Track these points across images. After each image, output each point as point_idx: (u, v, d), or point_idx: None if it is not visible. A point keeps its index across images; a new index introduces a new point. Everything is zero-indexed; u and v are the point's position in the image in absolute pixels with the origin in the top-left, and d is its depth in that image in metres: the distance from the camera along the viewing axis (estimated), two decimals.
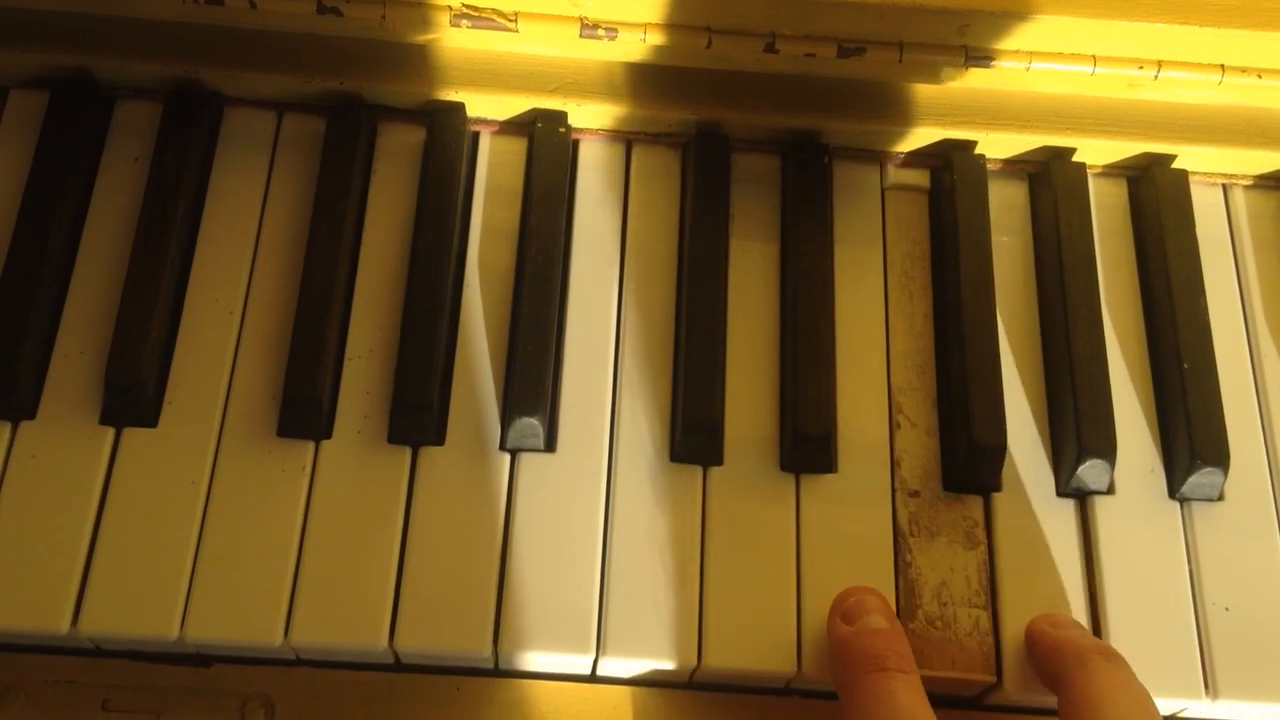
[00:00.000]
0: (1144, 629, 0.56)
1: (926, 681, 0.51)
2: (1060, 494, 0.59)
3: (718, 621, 0.55)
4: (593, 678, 0.57)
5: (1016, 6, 0.57)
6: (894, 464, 0.59)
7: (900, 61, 0.60)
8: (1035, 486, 0.59)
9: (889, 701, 0.49)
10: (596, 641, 0.54)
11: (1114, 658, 0.51)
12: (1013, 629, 0.55)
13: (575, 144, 0.64)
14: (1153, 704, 0.50)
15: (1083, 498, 0.58)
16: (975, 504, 0.58)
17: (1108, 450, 0.58)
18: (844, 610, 0.53)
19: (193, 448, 0.56)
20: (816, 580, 0.56)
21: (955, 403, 0.59)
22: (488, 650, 0.54)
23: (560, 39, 0.59)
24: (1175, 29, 0.58)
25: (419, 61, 0.62)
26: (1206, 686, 0.55)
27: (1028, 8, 0.57)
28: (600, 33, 0.59)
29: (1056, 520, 0.58)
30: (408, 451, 0.57)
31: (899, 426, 0.60)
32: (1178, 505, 0.59)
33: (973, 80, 0.61)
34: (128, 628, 0.53)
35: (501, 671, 0.56)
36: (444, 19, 0.59)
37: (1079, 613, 0.56)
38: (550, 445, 0.58)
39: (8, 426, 0.56)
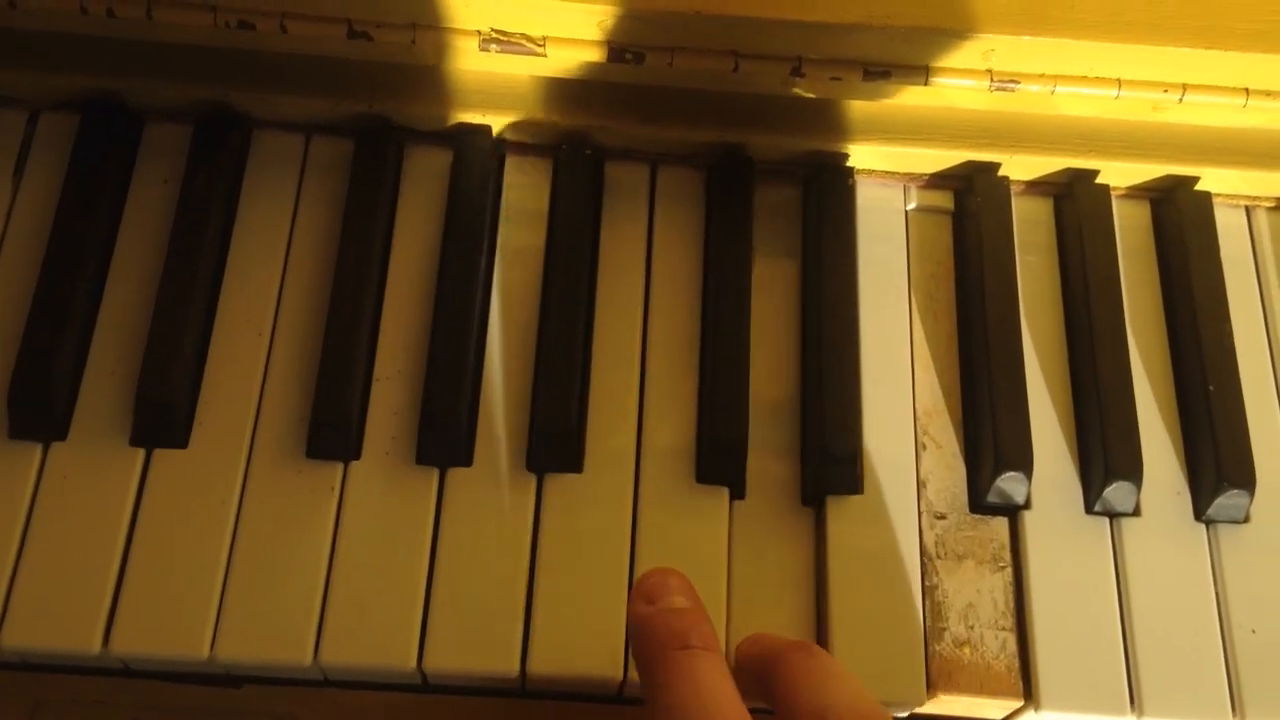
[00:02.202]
0: (1171, 651, 0.56)
1: (954, 705, 0.51)
2: (1088, 514, 0.59)
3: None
4: (619, 698, 0.57)
5: (1042, 31, 0.58)
6: (920, 486, 0.59)
7: (925, 85, 0.60)
8: (1063, 507, 0.59)
9: (693, 680, 0.47)
10: (625, 661, 0.55)
11: (809, 648, 0.49)
12: (1043, 650, 0.55)
13: (600, 166, 0.64)
14: (852, 678, 0.48)
15: (1110, 519, 0.58)
16: (1001, 526, 0.58)
17: (1134, 472, 0.58)
18: (645, 591, 0.51)
19: (222, 469, 0.57)
20: (843, 604, 0.56)
21: (981, 424, 0.60)
22: (515, 670, 0.54)
23: (587, 63, 0.60)
24: (1200, 53, 0.58)
25: (447, 85, 0.62)
26: (1234, 708, 0.55)
27: (1053, 32, 0.58)
28: (627, 57, 0.59)
29: (1085, 541, 0.58)
30: (435, 472, 0.57)
31: (924, 448, 0.60)
32: (1203, 527, 0.59)
33: (997, 103, 0.62)
34: (158, 648, 0.54)
35: (529, 692, 0.57)
36: (473, 44, 0.59)
37: (1111, 632, 0.56)
38: (577, 466, 0.58)
39: (39, 448, 0.57)
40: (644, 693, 0.48)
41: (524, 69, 0.61)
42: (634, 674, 0.54)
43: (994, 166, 0.64)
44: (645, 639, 0.49)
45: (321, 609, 0.54)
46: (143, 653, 0.54)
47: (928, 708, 0.56)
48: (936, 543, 0.58)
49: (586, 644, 0.55)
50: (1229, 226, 0.65)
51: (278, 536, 0.56)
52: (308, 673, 0.54)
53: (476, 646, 0.54)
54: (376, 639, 0.54)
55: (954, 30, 0.58)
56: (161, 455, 0.57)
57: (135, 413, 0.57)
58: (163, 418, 0.57)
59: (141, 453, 0.57)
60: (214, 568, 0.55)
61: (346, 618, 0.54)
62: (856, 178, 0.65)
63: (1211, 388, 0.59)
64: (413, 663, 0.54)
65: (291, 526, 0.56)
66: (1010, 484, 0.58)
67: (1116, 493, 0.58)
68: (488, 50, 0.59)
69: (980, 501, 0.59)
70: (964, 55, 0.59)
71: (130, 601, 0.54)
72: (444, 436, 0.57)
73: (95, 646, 0.53)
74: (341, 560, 0.55)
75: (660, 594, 0.51)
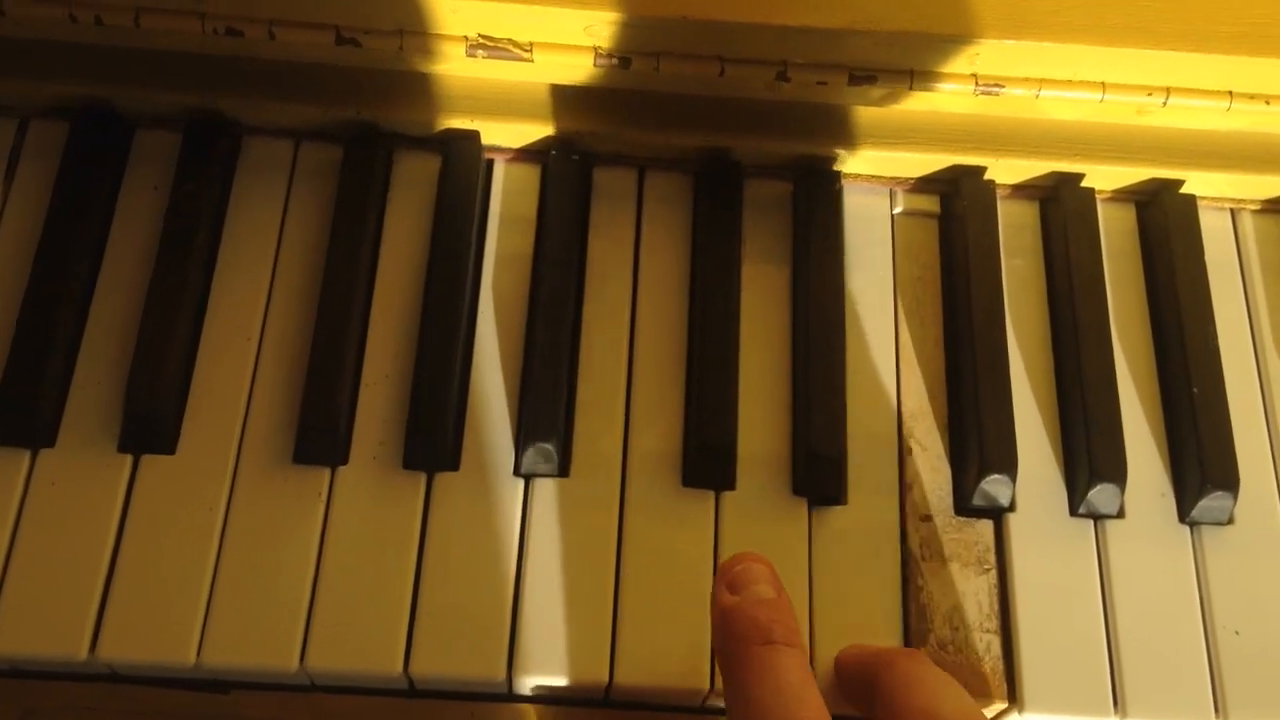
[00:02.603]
0: (1154, 653, 0.56)
1: None
2: (1073, 516, 0.59)
3: None
4: (606, 702, 0.57)
5: (1026, 35, 0.58)
6: (905, 488, 0.59)
7: (910, 89, 0.60)
8: (1048, 510, 0.59)
9: (776, 676, 0.46)
10: (610, 665, 0.55)
11: (917, 656, 0.50)
12: (1027, 653, 0.56)
13: (589, 171, 0.65)
14: (959, 687, 0.49)
15: (1094, 521, 0.59)
16: (986, 528, 0.59)
17: (1118, 475, 0.58)
18: (729, 579, 0.51)
19: (210, 475, 0.57)
20: (828, 604, 0.56)
21: (966, 427, 0.60)
22: (501, 675, 0.54)
23: (574, 68, 0.60)
24: (1184, 56, 0.59)
25: (434, 91, 0.62)
26: (1217, 710, 0.56)
27: (1037, 36, 0.58)
28: (614, 62, 0.59)
29: (1070, 543, 0.58)
30: (423, 477, 0.58)
31: (910, 451, 0.60)
32: (1188, 529, 0.59)
33: (982, 107, 0.62)
34: (145, 654, 0.54)
35: (515, 696, 0.57)
36: (460, 49, 0.59)
37: (1095, 634, 0.56)
38: (564, 470, 0.58)
39: (27, 454, 0.57)
40: (724, 686, 0.48)
41: (511, 74, 0.61)
42: (620, 677, 0.54)
43: (980, 170, 0.64)
44: (729, 632, 0.49)
45: (308, 614, 0.55)
46: (130, 659, 0.54)
47: None
48: (922, 545, 0.58)
49: (575, 648, 0.55)
50: (1214, 229, 0.65)
51: (265, 542, 0.56)
52: (295, 678, 0.55)
53: (463, 652, 0.55)
54: (363, 644, 0.54)
55: (939, 34, 0.58)
56: (149, 461, 0.57)
57: (123, 419, 0.57)
58: (150, 424, 0.57)
59: (129, 459, 0.57)
60: (201, 573, 0.55)
61: (333, 623, 0.55)
62: (843, 182, 0.65)
63: (1196, 390, 0.60)
64: (399, 668, 0.54)
65: (279, 532, 0.56)
66: (995, 486, 0.58)
67: (1101, 495, 0.58)
68: (475, 56, 0.60)
69: (965, 504, 0.59)
70: (949, 59, 0.59)
71: (118, 608, 0.54)
72: (431, 441, 0.57)
73: (83, 653, 0.53)
74: (328, 565, 0.56)
75: (745, 582, 0.50)
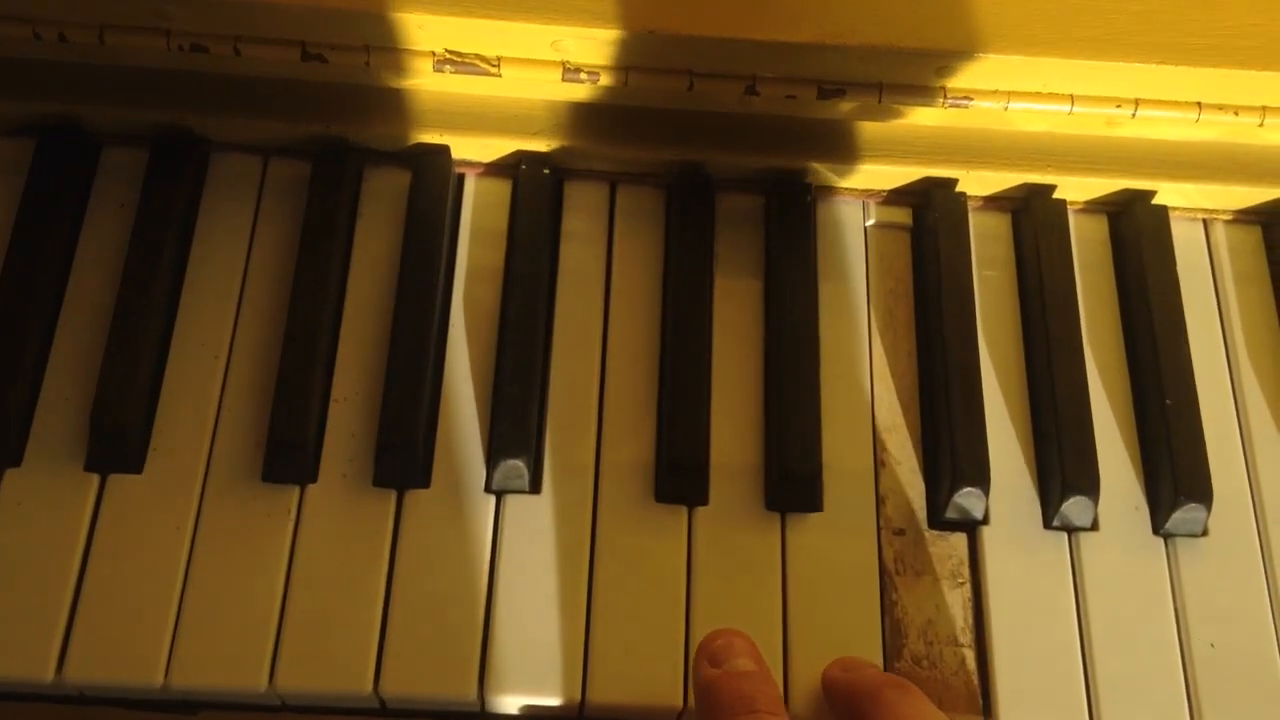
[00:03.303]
0: (1130, 666, 0.56)
1: None
2: (1047, 529, 0.59)
3: None
4: (580, 718, 0.57)
5: (993, 48, 0.58)
6: (879, 502, 0.59)
7: (880, 102, 0.60)
8: (1022, 522, 0.59)
9: None
10: (583, 683, 0.54)
11: (905, 688, 0.50)
12: (1002, 667, 0.55)
13: (559, 185, 0.64)
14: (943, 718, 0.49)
15: (1068, 534, 0.59)
16: (960, 541, 0.59)
17: (1091, 487, 0.58)
18: (710, 652, 0.52)
19: (178, 494, 0.56)
20: (803, 620, 0.56)
21: (939, 440, 0.60)
22: (473, 694, 0.54)
23: (543, 83, 0.60)
24: (1153, 68, 0.59)
25: (403, 106, 0.62)
26: None
27: (1004, 49, 0.58)
28: (582, 76, 0.59)
29: (1044, 556, 0.58)
30: (393, 494, 0.57)
31: (883, 464, 0.60)
32: (1162, 541, 0.59)
33: (952, 119, 0.62)
34: (112, 675, 0.53)
35: (487, 715, 0.56)
36: (427, 64, 0.59)
37: (1070, 647, 0.56)
38: (535, 487, 0.58)
39: None
40: None
41: (480, 89, 0.61)
42: (593, 695, 0.54)
43: (951, 182, 0.64)
44: (711, 704, 0.50)
45: (278, 633, 0.54)
46: (97, 680, 0.53)
47: None
48: (896, 559, 0.58)
49: (547, 666, 0.55)
50: (1186, 239, 0.65)
51: (233, 561, 0.55)
52: (264, 698, 0.54)
53: (435, 671, 0.54)
54: (333, 663, 0.54)
55: (906, 48, 0.58)
56: (116, 480, 0.57)
57: (90, 438, 0.57)
58: (117, 443, 0.56)
59: (96, 478, 0.57)
60: (169, 593, 0.54)
61: (303, 642, 0.54)
62: (815, 194, 0.65)
63: (1169, 401, 0.60)
64: (369, 687, 0.54)
65: (248, 551, 0.56)
66: (968, 499, 0.58)
67: (1074, 507, 0.58)
68: (442, 71, 0.59)
69: (939, 517, 0.59)
70: (917, 72, 0.59)
71: (85, 628, 0.54)
72: (401, 458, 0.57)
73: (49, 674, 0.53)
74: (298, 584, 0.55)
75: (726, 656, 0.51)
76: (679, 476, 0.58)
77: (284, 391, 0.58)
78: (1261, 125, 0.61)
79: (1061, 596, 0.57)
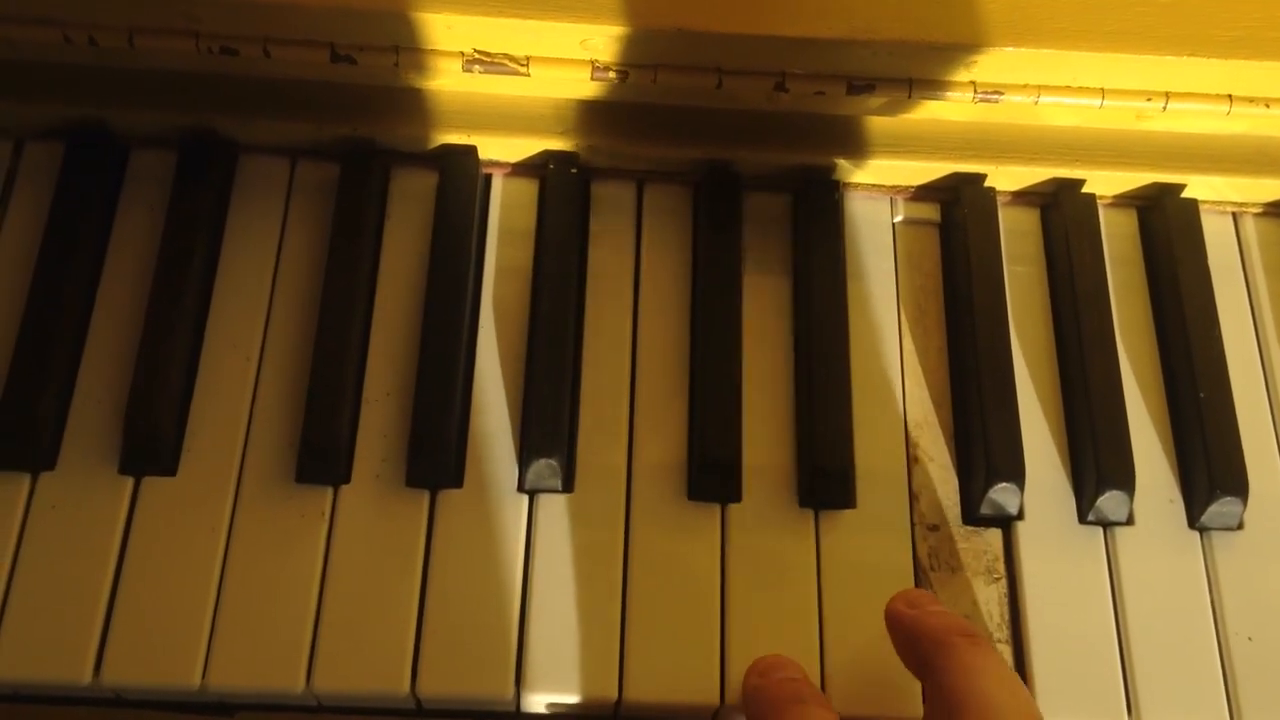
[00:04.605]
0: (1167, 659, 0.56)
1: None
2: (1082, 523, 0.59)
3: (740, 659, 0.55)
4: (615, 718, 0.57)
5: (1024, 42, 0.58)
6: (912, 498, 0.59)
7: (909, 98, 0.60)
8: (1057, 517, 0.58)
9: None
10: (619, 681, 0.54)
11: (977, 639, 0.49)
12: (1038, 662, 0.55)
13: (587, 184, 0.64)
14: (1021, 686, 0.48)
15: (1103, 528, 0.58)
16: (995, 537, 0.58)
17: (1126, 481, 0.58)
18: (759, 668, 0.53)
19: (212, 496, 0.56)
20: (838, 616, 0.56)
21: (972, 436, 0.59)
22: (509, 693, 0.54)
23: (572, 82, 0.60)
24: (1183, 61, 0.58)
25: (431, 106, 0.62)
26: (1232, 716, 0.55)
27: (1035, 43, 0.58)
28: (611, 75, 0.59)
29: (1079, 550, 0.58)
30: (426, 495, 0.57)
31: (916, 461, 0.60)
32: (1198, 535, 0.59)
33: (982, 114, 0.62)
34: (149, 677, 0.53)
35: (523, 715, 0.56)
36: (456, 65, 0.59)
37: (1107, 642, 0.56)
38: (568, 486, 0.58)
39: (27, 478, 0.56)
40: None
41: (508, 89, 0.61)
42: (629, 693, 0.54)
43: (980, 178, 0.64)
44: (760, 701, 0.51)
45: (313, 634, 0.54)
46: (134, 682, 0.53)
47: None
48: (930, 555, 0.58)
49: (583, 665, 0.54)
50: (1216, 233, 0.65)
51: (268, 563, 0.55)
52: (301, 699, 0.54)
53: (471, 670, 0.54)
54: (369, 664, 0.54)
55: (936, 43, 0.58)
56: (150, 483, 0.57)
57: (123, 441, 0.57)
58: (151, 445, 0.56)
59: (130, 481, 0.57)
60: (204, 595, 0.54)
61: (339, 643, 0.54)
62: (844, 191, 0.65)
63: (1202, 394, 0.59)
64: (406, 687, 0.54)
65: (282, 552, 0.56)
66: (1003, 495, 0.58)
67: (1109, 502, 0.58)
68: (471, 71, 0.59)
69: (973, 513, 0.59)
70: (947, 67, 0.59)
71: (121, 630, 0.54)
72: (434, 458, 0.57)
73: (86, 676, 0.53)
74: (333, 585, 0.55)
75: (774, 670, 0.53)
76: (711, 474, 0.58)
77: (316, 393, 0.58)
78: None
79: (1097, 591, 0.57)
